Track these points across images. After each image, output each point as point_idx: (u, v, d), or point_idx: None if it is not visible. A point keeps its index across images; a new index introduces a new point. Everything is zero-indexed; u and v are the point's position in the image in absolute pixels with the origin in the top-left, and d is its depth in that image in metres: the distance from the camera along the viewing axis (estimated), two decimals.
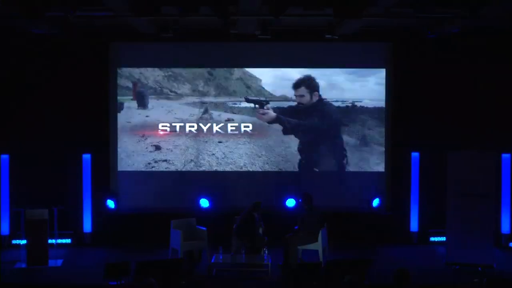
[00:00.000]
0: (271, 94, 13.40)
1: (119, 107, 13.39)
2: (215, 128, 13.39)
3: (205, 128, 13.40)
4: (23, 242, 11.79)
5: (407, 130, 13.28)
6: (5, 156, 12.97)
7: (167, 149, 13.41)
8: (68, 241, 13.02)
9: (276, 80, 13.44)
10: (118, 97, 13.36)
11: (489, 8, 10.16)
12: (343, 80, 13.44)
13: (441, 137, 13.10)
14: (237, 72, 13.45)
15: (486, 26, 11.97)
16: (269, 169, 13.46)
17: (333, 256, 11.63)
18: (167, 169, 13.42)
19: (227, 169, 13.43)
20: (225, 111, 13.42)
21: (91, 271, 11.18)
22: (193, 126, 13.39)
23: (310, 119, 13.40)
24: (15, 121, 13.11)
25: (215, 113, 13.44)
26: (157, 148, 13.40)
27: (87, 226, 13.19)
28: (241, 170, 13.45)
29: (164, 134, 13.39)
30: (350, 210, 13.32)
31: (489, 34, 12.66)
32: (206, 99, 13.44)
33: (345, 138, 13.44)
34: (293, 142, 13.45)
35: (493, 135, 12.93)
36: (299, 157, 13.44)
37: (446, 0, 10.30)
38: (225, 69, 13.41)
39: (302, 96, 13.37)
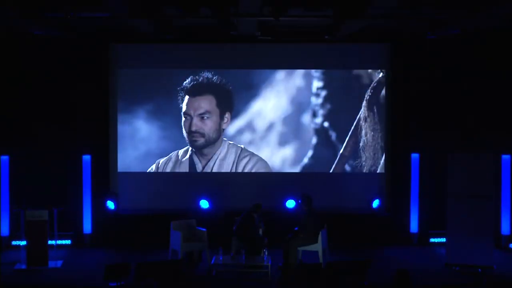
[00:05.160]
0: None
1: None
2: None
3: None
4: (23, 243, 11.78)
5: (407, 131, 13.28)
6: (5, 157, 12.98)
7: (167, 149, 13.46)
8: (68, 242, 13.02)
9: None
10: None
11: (489, 9, 10.17)
12: (342, 80, 13.46)
13: (441, 138, 13.10)
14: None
15: (486, 27, 11.97)
16: (269, 170, 13.46)
17: (333, 257, 11.64)
18: (167, 170, 13.42)
19: (227, 170, 13.43)
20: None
21: (91, 272, 11.19)
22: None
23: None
24: (15, 122, 13.11)
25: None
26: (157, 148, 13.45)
27: (87, 227, 13.18)
28: (241, 171, 13.44)
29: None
30: (350, 211, 13.32)
31: (489, 35, 12.66)
32: None
33: (345, 138, 13.44)
34: (293, 142, 13.45)
35: (493, 136, 12.92)
36: (299, 158, 13.44)
37: (446, 1, 10.30)
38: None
39: None
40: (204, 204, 13.24)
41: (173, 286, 9.70)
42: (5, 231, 12.98)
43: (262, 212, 11.78)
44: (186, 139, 13.32)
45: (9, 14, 10.35)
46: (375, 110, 13.44)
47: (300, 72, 13.42)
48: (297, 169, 13.48)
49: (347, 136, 13.43)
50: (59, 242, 12.39)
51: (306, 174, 13.46)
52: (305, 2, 10.06)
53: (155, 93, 13.39)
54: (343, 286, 9.45)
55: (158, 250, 12.06)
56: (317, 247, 11.33)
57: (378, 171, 13.50)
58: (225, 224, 12.13)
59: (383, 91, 13.43)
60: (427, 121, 13.27)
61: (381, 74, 13.42)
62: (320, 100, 13.43)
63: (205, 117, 13.31)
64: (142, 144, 13.44)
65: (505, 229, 13.03)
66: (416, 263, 11.90)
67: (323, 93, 13.44)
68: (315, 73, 13.43)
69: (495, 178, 12.04)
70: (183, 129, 13.31)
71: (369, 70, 13.42)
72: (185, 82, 13.31)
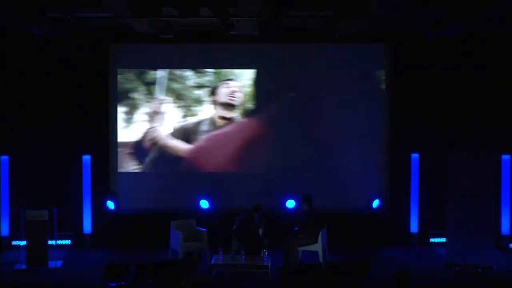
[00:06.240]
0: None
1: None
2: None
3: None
4: (23, 243, 11.79)
5: (407, 131, 13.29)
6: (5, 157, 12.99)
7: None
8: (68, 242, 13.02)
9: None
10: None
11: (489, 10, 10.17)
12: (342, 81, 13.45)
13: (441, 138, 13.11)
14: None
15: (486, 27, 11.97)
16: (269, 170, 13.45)
17: (333, 257, 11.65)
18: (167, 170, 13.42)
19: (227, 170, 13.43)
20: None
21: (91, 273, 11.20)
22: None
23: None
24: (15, 122, 13.11)
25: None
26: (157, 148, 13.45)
27: (87, 227, 13.19)
28: (241, 171, 13.44)
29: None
30: (350, 211, 13.32)
31: (489, 35, 12.66)
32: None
33: (345, 139, 13.44)
34: (293, 143, 13.44)
35: (493, 136, 12.92)
36: (299, 158, 13.44)
37: (446, 2, 10.30)
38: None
39: None
40: (204, 204, 13.24)
41: (173, 286, 9.70)
42: (5, 231, 12.98)
43: (262, 212, 11.79)
44: None
45: (9, 14, 10.35)
46: (375, 109, 13.43)
47: (300, 72, 13.40)
48: (297, 169, 13.47)
49: (347, 136, 13.42)
50: (59, 242, 12.39)
51: (306, 174, 13.45)
52: (305, 2, 10.05)
53: (155, 93, 13.38)
54: (343, 286, 9.45)
55: (158, 250, 12.07)
56: (317, 247, 11.33)
57: (378, 171, 13.50)
58: (225, 224, 12.13)
59: (383, 91, 13.43)
60: (427, 121, 13.27)
61: (381, 74, 13.42)
62: (320, 100, 13.42)
63: None
64: (142, 144, 13.44)
65: (505, 229, 13.04)
66: (416, 263, 11.91)
67: (323, 93, 13.43)
68: (315, 73, 13.41)
69: (495, 178, 12.04)
70: None
71: (369, 70, 13.42)
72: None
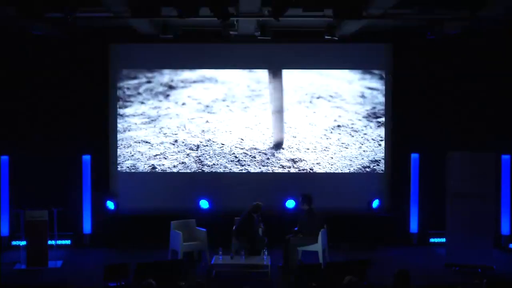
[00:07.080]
0: None
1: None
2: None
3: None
4: (23, 243, 11.78)
5: (407, 131, 13.28)
6: (5, 157, 12.99)
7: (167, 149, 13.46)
8: (68, 242, 13.02)
9: None
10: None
11: (489, 9, 10.17)
12: (342, 80, 13.44)
13: (441, 138, 13.11)
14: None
15: (486, 27, 11.97)
16: (269, 170, 13.45)
17: (332, 257, 11.64)
18: (167, 170, 13.42)
19: (227, 170, 13.43)
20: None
21: (90, 273, 11.19)
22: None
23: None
24: (15, 122, 13.11)
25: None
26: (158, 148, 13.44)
27: (87, 227, 13.19)
28: (241, 171, 13.44)
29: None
30: (350, 211, 13.31)
31: (488, 35, 12.66)
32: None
33: (345, 139, 13.43)
34: (293, 142, 13.45)
35: (492, 136, 12.92)
36: (299, 157, 13.44)
37: (446, 1, 10.30)
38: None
39: None
40: (204, 204, 13.25)
41: (173, 286, 9.69)
42: (5, 231, 12.98)
43: (262, 212, 11.78)
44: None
45: (9, 14, 10.34)
46: (375, 110, 13.43)
47: (300, 72, 13.41)
48: (297, 169, 13.47)
49: (347, 136, 13.42)
50: (59, 242, 12.38)
51: (306, 174, 13.45)
52: (305, 2, 10.05)
53: (155, 93, 13.38)
54: (343, 286, 9.45)
55: (158, 250, 12.05)
56: (317, 247, 11.33)
57: (378, 171, 13.50)
58: (225, 224, 12.13)
59: (384, 91, 13.43)
60: (427, 121, 13.27)
61: (381, 74, 13.42)
62: (320, 100, 13.42)
63: None
64: (142, 144, 13.43)
65: (505, 229, 13.04)
66: (416, 263, 11.90)
67: (323, 93, 13.44)
68: (316, 73, 13.41)
69: (495, 178, 12.03)
70: None
71: (370, 70, 13.42)
72: None
